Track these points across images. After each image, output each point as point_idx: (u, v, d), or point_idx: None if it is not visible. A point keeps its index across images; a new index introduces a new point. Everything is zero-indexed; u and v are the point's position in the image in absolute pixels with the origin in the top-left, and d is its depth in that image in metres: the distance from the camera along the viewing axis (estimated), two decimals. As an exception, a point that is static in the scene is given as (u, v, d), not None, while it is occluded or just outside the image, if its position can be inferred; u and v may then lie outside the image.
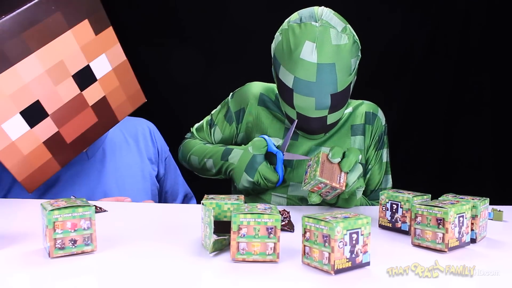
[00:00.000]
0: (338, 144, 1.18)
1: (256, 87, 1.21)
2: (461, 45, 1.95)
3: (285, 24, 1.06)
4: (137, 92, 1.10)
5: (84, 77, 0.99)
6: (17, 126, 0.91)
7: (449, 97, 2.00)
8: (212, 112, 1.27)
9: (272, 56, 1.09)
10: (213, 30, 1.87)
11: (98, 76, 1.01)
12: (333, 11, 1.06)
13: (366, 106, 1.22)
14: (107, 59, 1.02)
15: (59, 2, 0.91)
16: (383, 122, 1.22)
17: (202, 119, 1.29)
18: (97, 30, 0.98)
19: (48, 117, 0.95)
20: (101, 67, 1.01)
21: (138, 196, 1.16)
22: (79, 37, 0.95)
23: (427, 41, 1.96)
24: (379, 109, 1.23)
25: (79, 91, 0.99)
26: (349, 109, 1.21)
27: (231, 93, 1.25)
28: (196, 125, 1.29)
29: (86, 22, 0.96)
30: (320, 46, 0.99)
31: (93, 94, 1.01)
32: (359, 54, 1.07)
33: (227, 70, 1.83)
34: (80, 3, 0.94)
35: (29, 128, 0.93)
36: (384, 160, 1.22)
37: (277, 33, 1.08)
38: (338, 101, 1.05)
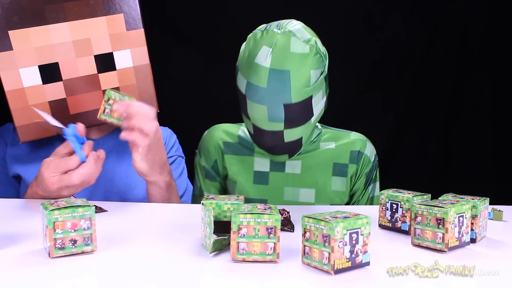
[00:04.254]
0: (314, 180, 1.14)
1: (217, 136, 1.19)
2: (461, 46, 1.95)
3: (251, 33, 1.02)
4: (150, 98, 1.14)
5: (105, 62, 1.08)
6: (32, 77, 1.03)
7: (449, 97, 2.00)
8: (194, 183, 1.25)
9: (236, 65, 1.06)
10: (213, 30, 1.87)
11: (118, 66, 1.09)
12: (303, 24, 1.02)
13: (352, 142, 1.17)
14: (131, 55, 1.10)
15: None
16: (372, 158, 1.17)
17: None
18: (129, 27, 1.08)
19: (61, 82, 1.05)
20: (123, 60, 1.09)
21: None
22: (111, 26, 1.06)
23: (427, 42, 1.96)
24: (367, 142, 1.18)
25: (96, 72, 1.07)
26: (331, 145, 1.16)
27: (196, 151, 1.24)
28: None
29: (121, 16, 1.06)
30: (276, 51, 0.94)
31: (108, 80, 1.09)
32: (325, 69, 1.00)
33: (227, 70, 1.83)
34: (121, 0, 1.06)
35: (41, 83, 1.04)
36: (371, 195, 1.18)
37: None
38: (294, 114, 0.97)
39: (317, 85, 0.98)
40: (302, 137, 1.04)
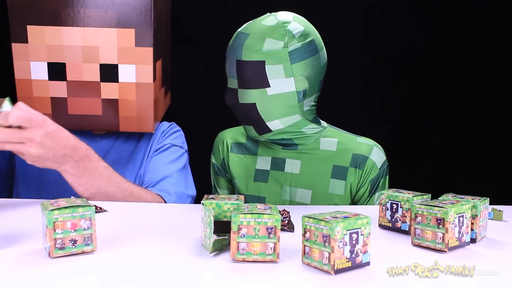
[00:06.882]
0: (311, 181, 1.12)
1: (227, 137, 1.25)
2: (461, 44, 1.95)
3: None
4: (148, 118, 1.15)
5: (109, 72, 1.10)
6: (40, 71, 1.10)
7: (449, 96, 2.00)
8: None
9: None
10: (213, 30, 1.87)
11: (121, 79, 1.11)
12: (298, 16, 1.10)
13: (356, 145, 1.12)
14: (135, 71, 1.11)
15: (117, 3, 1.06)
16: (379, 165, 1.11)
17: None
18: (138, 43, 1.08)
19: (65, 82, 1.10)
20: (127, 74, 1.11)
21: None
22: (120, 39, 1.08)
23: (427, 41, 1.96)
24: (374, 147, 1.12)
25: (99, 80, 1.10)
26: (333, 145, 1.13)
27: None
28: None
29: (132, 31, 1.08)
30: (252, 22, 1.09)
31: (109, 90, 1.11)
32: (289, 47, 1.03)
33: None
34: (134, 14, 1.07)
35: (47, 78, 1.10)
36: (377, 204, 1.10)
37: None
38: (245, 73, 1.05)
39: (271, 55, 1.03)
40: (256, 104, 1.07)
